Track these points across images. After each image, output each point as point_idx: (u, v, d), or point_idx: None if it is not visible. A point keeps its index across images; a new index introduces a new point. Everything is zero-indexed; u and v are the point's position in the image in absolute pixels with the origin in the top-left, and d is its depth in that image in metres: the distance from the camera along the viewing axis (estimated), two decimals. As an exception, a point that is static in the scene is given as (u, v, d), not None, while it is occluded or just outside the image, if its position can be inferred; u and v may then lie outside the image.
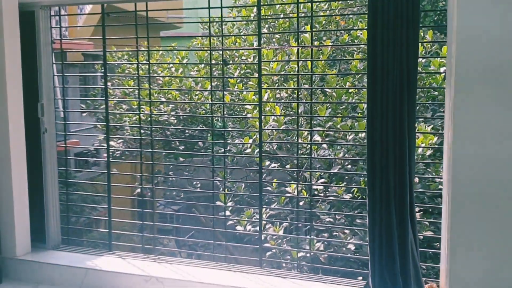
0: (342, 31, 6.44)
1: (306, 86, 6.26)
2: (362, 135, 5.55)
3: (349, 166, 6.02)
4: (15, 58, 4.00)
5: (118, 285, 3.81)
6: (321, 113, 5.51)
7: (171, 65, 7.62)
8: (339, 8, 6.57)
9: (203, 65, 7.31)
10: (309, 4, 5.35)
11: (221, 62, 3.87)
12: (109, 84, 8.14)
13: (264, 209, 5.77)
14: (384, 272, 3.02)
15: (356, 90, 6.31)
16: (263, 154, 3.92)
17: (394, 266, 2.99)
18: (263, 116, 4.46)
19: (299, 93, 6.18)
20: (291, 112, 6.29)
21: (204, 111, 7.42)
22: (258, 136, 3.90)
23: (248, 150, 6.17)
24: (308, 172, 5.63)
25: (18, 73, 4.03)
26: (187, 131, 7.28)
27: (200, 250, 11.38)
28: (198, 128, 7.26)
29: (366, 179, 3.08)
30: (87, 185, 8.32)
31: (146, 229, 8.67)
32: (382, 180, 2.99)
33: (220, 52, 7.69)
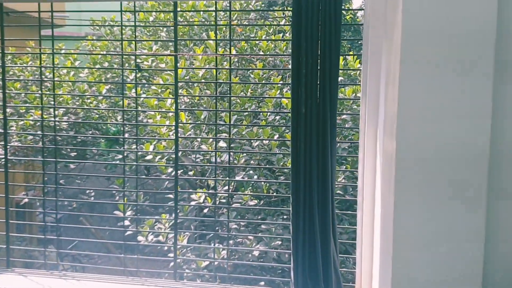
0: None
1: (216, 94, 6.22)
2: (266, 142, 5.66)
3: (251, 172, 6.11)
4: None
5: (20, 307, 3.50)
6: (226, 120, 5.52)
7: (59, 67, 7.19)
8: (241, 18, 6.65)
9: (96, 68, 6.99)
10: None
11: (135, 68, 3.71)
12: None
13: (166, 219, 5.66)
14: (307, 281, 3.09)
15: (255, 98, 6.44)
16: (179, 163, 3.83)
17: (317, 274, 3.07)
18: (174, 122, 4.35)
19: (206, 99, 6.14)
20: (194, 119, 6.23)
21: (97, 116, 7.09)
22: (174, 143, 3.79)
23: (149, 157, 6.00)
24: (212, 180, 5.63)
25: None
26: (79, 137, 6.90)
27: (84, 260, 10.86)
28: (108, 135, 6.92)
29: (289, 186, 3.12)
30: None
31: (26, 240, 8.12)
32: (306, 188, 3.06)
33: (119, 57, 7.43)
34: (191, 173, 6.33)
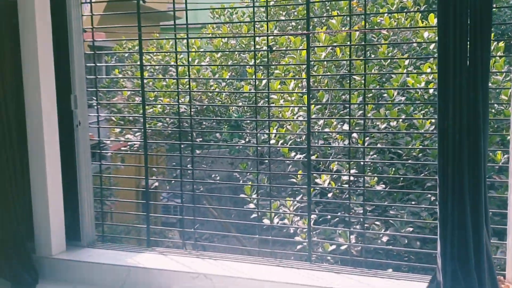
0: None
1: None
2: (394, 123, 5.43)
3: (375, 156, 5.91)
4: (47, 47, 3.80)
5: (164, 283, 3.65)
6: (353, 101, 5.37)
7: (182, 55, 7.44)
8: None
9: (219, 54, 7.14)
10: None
11: (267, 49, 3.69)
12: (119, 75, 7.99)
13: (291, 202, 5.65)
14: (457, 269, 2.89)
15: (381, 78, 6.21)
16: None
17: (467, 261, 2.86)
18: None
19: (326, 82, 6.03)
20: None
21: (220, 102, 7.25)
22: (306, 125, 3.73)
23: (272, 142, 6.02)
24: (335, 163, 5.51)
25: (50, 63, 3.83)
26: (204, 123, 7.11)
27: (204, 242, 11.28)
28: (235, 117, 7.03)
29: (437, 170, 2.94)
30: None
31: (154, 223, 8.56)
32: (455, 171, 2.86)
33: (233, 41, 7.50)
34: (313, 157, 6.25)
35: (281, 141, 5.94)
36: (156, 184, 7.63)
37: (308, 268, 3.65)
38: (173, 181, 8.04)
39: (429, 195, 5.32)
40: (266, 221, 5.61)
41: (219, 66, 7.01)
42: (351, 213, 5.33)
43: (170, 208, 14.51)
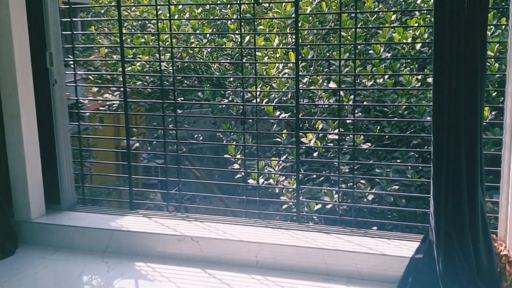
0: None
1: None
2: (380, 80, 5.32)
3: (360, 114, 5.83)
4: (20, 2, 3.55)
5: (149, 247, 3.55)
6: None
7: (161, 11, 7.15)
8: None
9: (200, 9, 6.88)
10: None
11: (253, 1, 3.51)
12: (95, 31, 7.67)
13: (276, 161, 5.56)
14: (450, 228, 2.84)
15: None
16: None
17: (462, 222, 2.81)
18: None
19: (311, 38, 5.86)
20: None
21: (202, 60, 7.03)
22: (294, 83, 3.59)
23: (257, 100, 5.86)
24: (320, 122, 5.41)
25: (23, 18, 3.59)
26: (185, 82, 6.90)
27: (186, 203, 11.19)
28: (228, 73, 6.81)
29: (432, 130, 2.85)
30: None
31: (135, 184, 8.40)
32: (451, 127, 2.77)
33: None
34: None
35: (265, 100, 5.80)
36: (137, 144, 7.44)
37: (297, 228, 3.57)
38: (154, 142, 7.86)
39: (414, 154, 5.29)
40: (251, 182, 5.53)
41: (199, 22, 6.76)
42: (337, 172, 5.27)
43: (150, 169, 14.37)
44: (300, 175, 3.78)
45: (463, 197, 2.79)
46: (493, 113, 4.92)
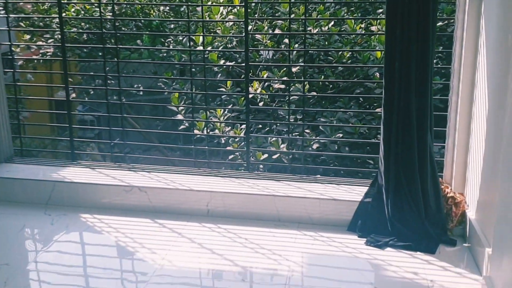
0: None
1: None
2: (325, 28, 5.28)
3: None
4: None
5: (94, 198, 3.43)
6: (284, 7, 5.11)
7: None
8: None
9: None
10: None
11: None
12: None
13: (221, 111, 5.46)
14: (400, 172, 2.90)
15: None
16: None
17: (412, 165, 2.87)
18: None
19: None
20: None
21: (139, 6, 6.70)
22: (244, 27, 3.47)
23: (200, 48, 5.69)
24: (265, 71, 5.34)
25: None
26: (123, 29, 6.56)
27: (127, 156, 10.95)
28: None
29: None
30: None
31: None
32: (402, 71, 2.78)
33: None
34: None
35: (209, 47, 5.63)
36: (74, 95, 7.09)
37: (247, 177, 3.55)
38: (92, 92, 7.52)
39: (356, 102, 5.35)
40: (196, 132, 5.42)
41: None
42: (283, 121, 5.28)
43: (86, 121, 13.87)
44: (244, 125, 3.73)
45: (413, 142, 2.84)
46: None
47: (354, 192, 3.27)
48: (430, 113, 2.86)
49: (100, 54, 5.97)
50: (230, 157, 5.35)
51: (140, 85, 7.02)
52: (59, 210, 3.38)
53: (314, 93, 5.42)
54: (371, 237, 3.00)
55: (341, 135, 5.16)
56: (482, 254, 2.61)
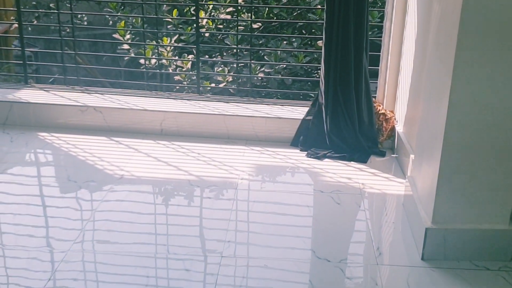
0: None
1: None
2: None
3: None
4: None
5: (51, 118, 3.56)
6: None
7: None
8: None
9: None
10: None
11: None
12: None
13: (168, 40, 5.56)
14: (337, 89, 3.21)
15: None
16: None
17: (348, 84, 3.18)
18: None
19: None
20: None
21: None
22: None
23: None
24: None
25: None
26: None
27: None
28: None
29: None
30: None
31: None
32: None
33: None
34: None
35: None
36: (16, 25, 6.88)
37: (198, 99, 3.78)
38: (35, 22, 7.33)
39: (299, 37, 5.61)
40: (142, 61, 5.52)
41: None
42: (229, 52, 5.46)
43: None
44: (191, 56, 3.89)
45: (350, 63, 3.15)
46: None
47: (296, 112, 3.58)
48: (366, 38, 3.16)
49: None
50: (177, 87, 5.51)
51: (85, 16, 6.93)
52: (17, 129, 3.51)
53: (259, 24, 5.62)
54: (311, 150, 3.34)
55: (284, 65, 5.43)
56: (407, 161, 3.00)
